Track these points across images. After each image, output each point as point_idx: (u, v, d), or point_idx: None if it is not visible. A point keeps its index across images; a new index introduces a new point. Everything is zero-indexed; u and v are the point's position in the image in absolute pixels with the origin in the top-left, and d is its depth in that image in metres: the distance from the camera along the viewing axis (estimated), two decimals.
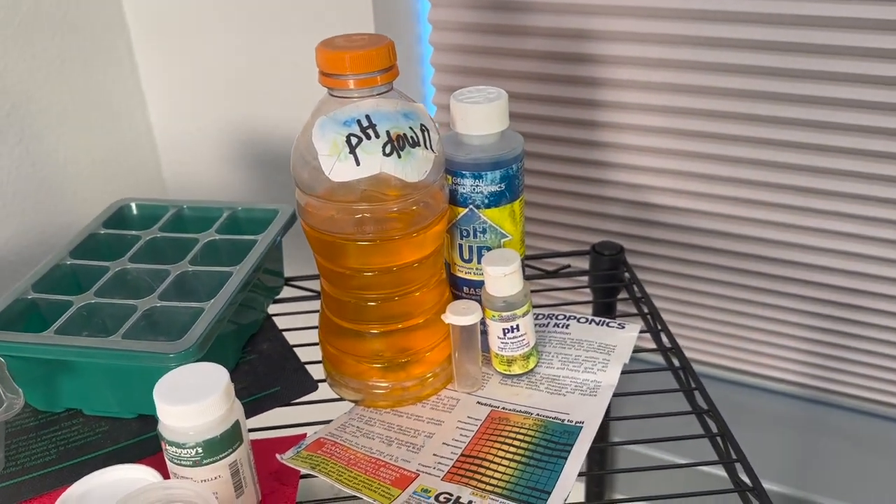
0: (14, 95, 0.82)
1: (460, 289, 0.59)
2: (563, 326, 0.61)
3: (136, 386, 0.52)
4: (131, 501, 0.42)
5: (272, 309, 0.67)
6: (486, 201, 0.55)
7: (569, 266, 0.74)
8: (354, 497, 0.47)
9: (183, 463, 0.43)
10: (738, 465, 0.51)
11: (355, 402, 0.57)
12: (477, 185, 0.54)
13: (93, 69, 0.91)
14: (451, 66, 0.82)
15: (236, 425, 0.44)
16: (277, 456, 0.50)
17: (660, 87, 0.73)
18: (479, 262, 0.57)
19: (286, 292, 0.71)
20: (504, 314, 0.54)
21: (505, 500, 0.46)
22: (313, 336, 0.62)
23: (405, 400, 0.56)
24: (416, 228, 0.51)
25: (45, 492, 0.49)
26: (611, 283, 0.70)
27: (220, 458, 0.44)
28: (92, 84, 0.92)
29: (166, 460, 0.45)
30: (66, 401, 0.55)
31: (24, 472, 0.51)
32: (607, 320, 0.61)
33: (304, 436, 0.53)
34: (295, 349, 0.62)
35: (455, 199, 0.55)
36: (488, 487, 0.47)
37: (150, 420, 0.55)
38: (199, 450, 0.43)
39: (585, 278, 0.80)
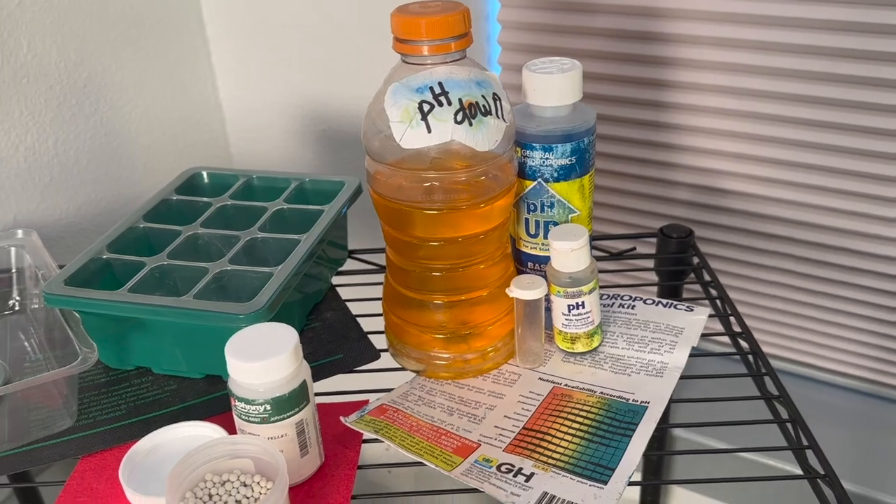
0: (91, 66, 0.85)
1: (524, 264, 0.59)
2: (628, 307, 0.60)
3: (205, 346, 0.53)
4: (198, 455, 0.43)
5: (334, 280, 0.68)
6: (556, 175, 0.54)
7: (634, 249, 0.72)
8: (411, 464, 0.47)
9: (251, 419, 0.44)
10: (808, 453, 0.49)
11: (417, 372, 0.57)
12: (547, 158, 0.53)
13: (165, 43, 0.93)
14: (519, 44, 0.82)
15: (304, 385, 0.45)
16: (341, 418, 0.50)
17: (732, 69, 0.71)
18: (545, 237, 0.56)
19: (349, 265, 0.71)
20: (569, 290, 0.54)
21: (568, 474, 0.46)
22: (374, 307, 0.62)
23: (466, 372, 0.56)
24: (484, 199, 0.51)
25: (114, 445, 0.51)
26: (678, 266, 0.69)
27: (288, 417, 0.44)
28: (164, 57, 0.94)
29: (234, 417, 0.45)
30: (136, 359, 0.57)
31: (95, 426, 0.52)
32: (675, 302, 0.60)
33: (366, 402, 0.53)
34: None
35: (523, 172, 0.55)
36: (551, 461, 0.47)
37: (217, 380, 0.56)
38: (268, 407, 0.44)
39: (650, 262, 0.79)
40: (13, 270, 0.63)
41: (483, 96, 0.48)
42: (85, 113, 0.85)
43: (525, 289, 0.53)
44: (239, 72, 0.99)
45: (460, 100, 0.47)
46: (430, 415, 0.52)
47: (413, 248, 0.53)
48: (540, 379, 0.55)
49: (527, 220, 0.56)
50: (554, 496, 0.44)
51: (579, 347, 0.56)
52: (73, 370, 0.48)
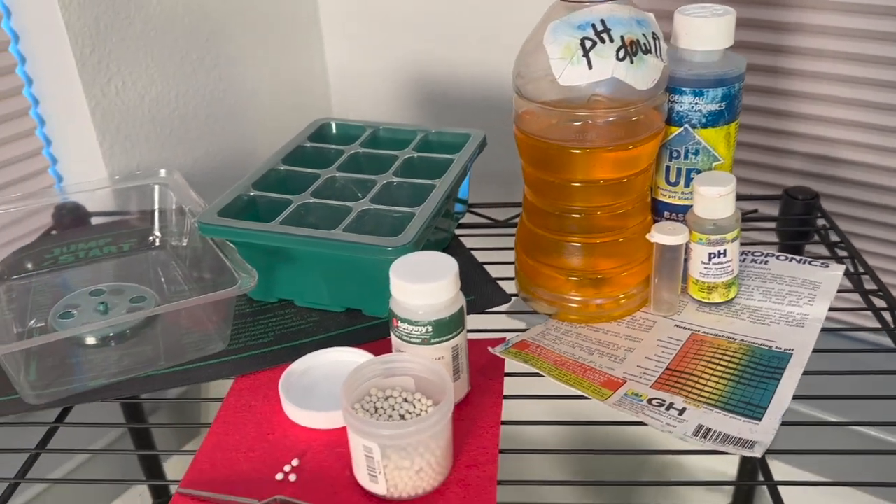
0: (213, 22, 0.87)
1: (660, 213, 0.59)
2: (761, 262, 0.60)
3: (349, 279, 0.55)
4: (365, 370, 0.44)
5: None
6: (704, 121, 0.54)
7: (756, 210, 0.72)
8: (546, 396, 0.48)
9: (412, 341, 0.45)
10: None
11: (549, 315, 0.57)
12: (696, 103, 0.53)
13: (278, 5, 0.96)
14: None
15: (461, 311, 0.46)
16: (489, 349, 0.51)
17: (852, 34, 0.70)
18: (685, 186, 0.56)
19: (466, 218, 0.72)
20: (713, 238, 0.54)
21: (720, 411, 0.46)
22: (492, 257, 0.63)
23: (598, 317, 0.56)
24: (633, 141, 0.51)
25: (266, 367, 0.53)
26: (803, 227, 0.68)
27: (446, 340, 0.45)
28: (277, 20, 0.96)
29: (394, 338, 0.47)
30: (280, 291, 0.59)
31: (247, 350, 0.54)
32: (808, 259, 0.60)
33: (504, 339, 0.54)
34: None
35: (669, 118, 0.55)
36: (701, 398, 0.47)
37: (357, 314, 0.57)
38: (430, 328, 0.45)
39: (767, 224, 0.78)
40: (156, 209, 0.66)
41: (644, 35, 0.48)
42: (205, 68, 0.88)
43: (667, 234, 0.53)
44: (346, 38, 1.01)
45: (622, 37, 0.48)
46: (571, 353, 0.53)
47: (556, 188, 0.53)
48: (676, 326, 0.55)
49: (668, 167, 0.57)
50: (710, 429, 0.44)
51: (716, 297, 0.56)
52: (234, 292, 0.50)
